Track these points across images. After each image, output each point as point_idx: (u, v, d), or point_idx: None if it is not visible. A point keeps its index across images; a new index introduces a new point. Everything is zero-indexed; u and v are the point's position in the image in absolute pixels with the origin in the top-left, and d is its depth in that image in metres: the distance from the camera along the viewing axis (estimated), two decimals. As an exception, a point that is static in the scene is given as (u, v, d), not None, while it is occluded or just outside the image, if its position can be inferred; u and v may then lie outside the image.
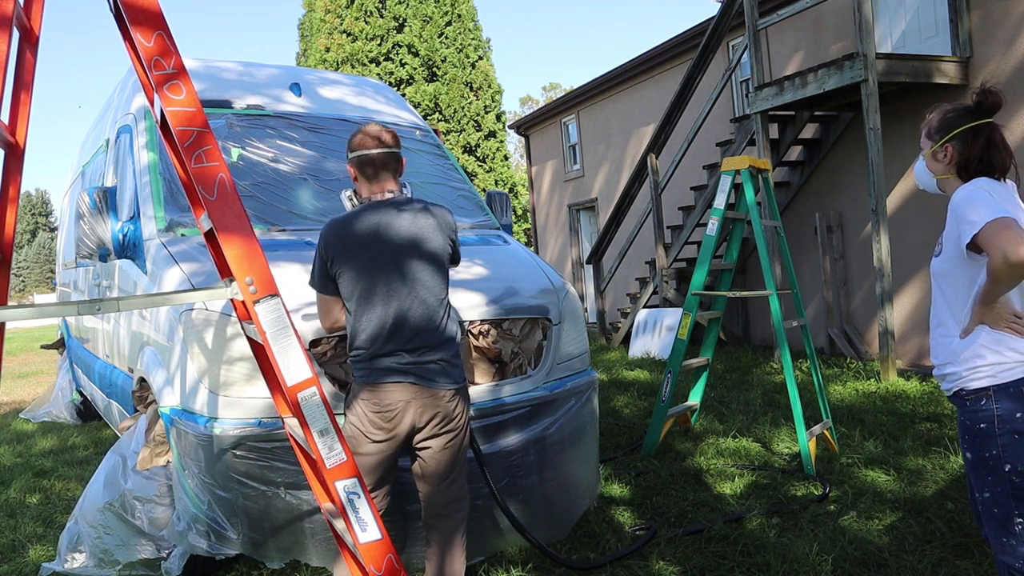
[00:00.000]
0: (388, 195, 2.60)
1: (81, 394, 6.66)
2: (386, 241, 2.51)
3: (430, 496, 2.64)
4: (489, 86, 19.58)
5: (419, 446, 2.58)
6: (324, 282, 2.57)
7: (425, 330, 2.51)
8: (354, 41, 18.51)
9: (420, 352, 2.50)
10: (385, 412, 2.47)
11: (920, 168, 2.36)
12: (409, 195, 2.67)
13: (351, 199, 2.70)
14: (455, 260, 2.74)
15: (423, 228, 2.57)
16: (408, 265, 2.52)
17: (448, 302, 2.64)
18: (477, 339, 3.31)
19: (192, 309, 3.09)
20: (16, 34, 2.20)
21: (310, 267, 3.28)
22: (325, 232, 2.57)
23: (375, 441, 2.51)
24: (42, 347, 8.66)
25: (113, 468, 3.28)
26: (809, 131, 8.82)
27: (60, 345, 7.40)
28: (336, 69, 18.10)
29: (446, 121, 18.91)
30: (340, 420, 2.84)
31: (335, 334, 2.95)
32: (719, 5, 8.94)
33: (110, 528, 3.14)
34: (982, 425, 2.06)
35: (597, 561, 3.26)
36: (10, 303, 2.29)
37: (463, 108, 19.05)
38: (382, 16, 18.72)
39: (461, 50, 19.09)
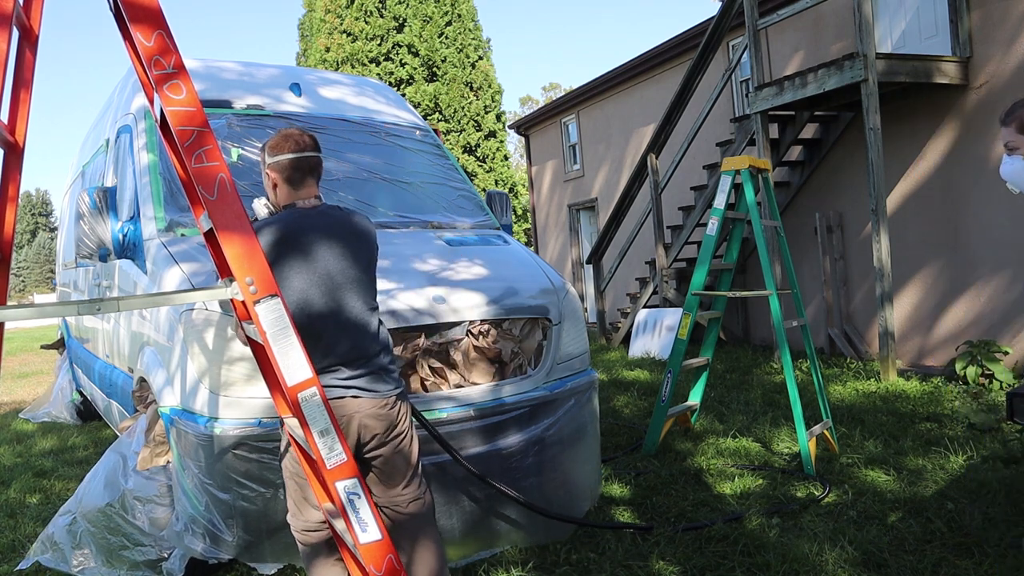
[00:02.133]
0: (313, 201, 2.51)
1: (81, 394, 6.66)
2: (320, 252, 2.42)
3: (391, 500, 2.59)
4: (489, 86, 19.58)
5: (369, 456, 2.53)
6: None
7: (362, 341, 2.45)
8: (354, 41, 18.51)
9: (358, 364, 2.43)
10: None
11: (1014, 168, 2.05)
12: (324, 201, 2.58)
13: (267, 207, 2.59)
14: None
15: (355, 237, 2.51)
16: (344, 276, 2.45)
17: (377, 308, 2.58)
18: (477, 339, 3.30)
19: (192, 309, 3.09)
20: (16, 33, 2.20)
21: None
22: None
23: None
24: (42, 347, 8.66)
25: (113, 468, 3.28)
26: (809, 131, 8.82)
27: (60, 345, 7.40)
28: (336, 69, 18.11)
29: (446, 121, 18.91)
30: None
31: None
32: (719, 5, 8.94)
33: (113, 529, 3.14)
34: None
35: (583, 519, 3.28)
36: (10, 303, 2.29)
37: (463, 108, 19.06)
38: (382, 16, 18.72)
39: (461, 50, 19.10)
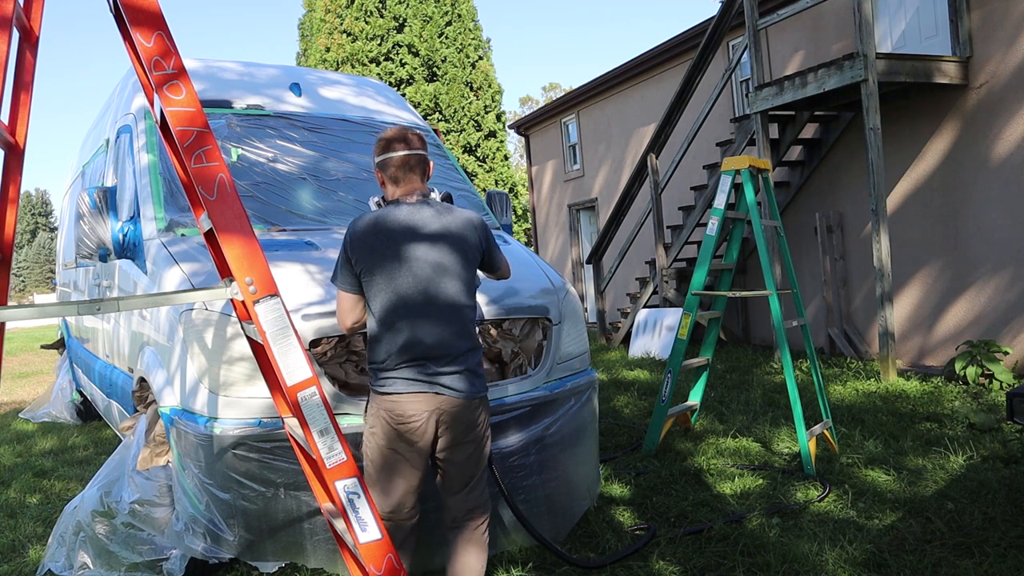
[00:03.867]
0: (417, 197, 2.53)
1: (81, 394, 6.66)
2: (414, 243, 2.44)
3: (450, 503, 2.57)
4: (489, 86, 19.58)
5: (440, 456, 2.51)
6: (348, 280, 2.48)
7: (451, 338, 2.43)
8: (354, 41, 18.52)
9: (445, 361, 2.41)
10: (409, 423, 2.39)
11: None
12: (438, 198, 2.61)
13: (379, 204, 2.63)
14: (489, 265, 2.63)
15: (452, 229, 2.50)
16: (438, 270, 2.44)
17: (475, 308, 2.57)
18: (477, 339, 3.31)
19: (192, 309, 3.09)
20: (16, 34, 2.20)
21: (310, 267, 3.29)
22: (351, 229, 2.51)
23: (400, 453, 2.44)
24: (42, 347, 8.66)
25: (112, 470, 3.28)
26: (809, 131, 8.82)
27: (60, 345, 7.40)
28: (336, 69, 18.11)
29: (446, 121, 18.91)
30: (341, 421, 2.83)
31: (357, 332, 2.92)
32: (719, 5, 8.95)
33: (112, 530, 3.14)
34: None
35: (600, 560, 3.26)
36: (10, 303, 2.29)
37: (463, 108, 19.06)
38: (382, 16, 18.72)
39: (461, 50, 19.10)
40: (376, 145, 2.59)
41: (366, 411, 2.54)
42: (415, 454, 2.45)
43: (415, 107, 16.93)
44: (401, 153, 2.52)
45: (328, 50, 18.49)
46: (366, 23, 18.56)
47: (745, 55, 8.58)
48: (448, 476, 2.54)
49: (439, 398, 2.41)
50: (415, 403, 2.39)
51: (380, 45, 18.62)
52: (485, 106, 19.51)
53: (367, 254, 2.43)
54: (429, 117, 18.58)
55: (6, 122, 2.26)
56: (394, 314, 2.41)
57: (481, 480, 2.61)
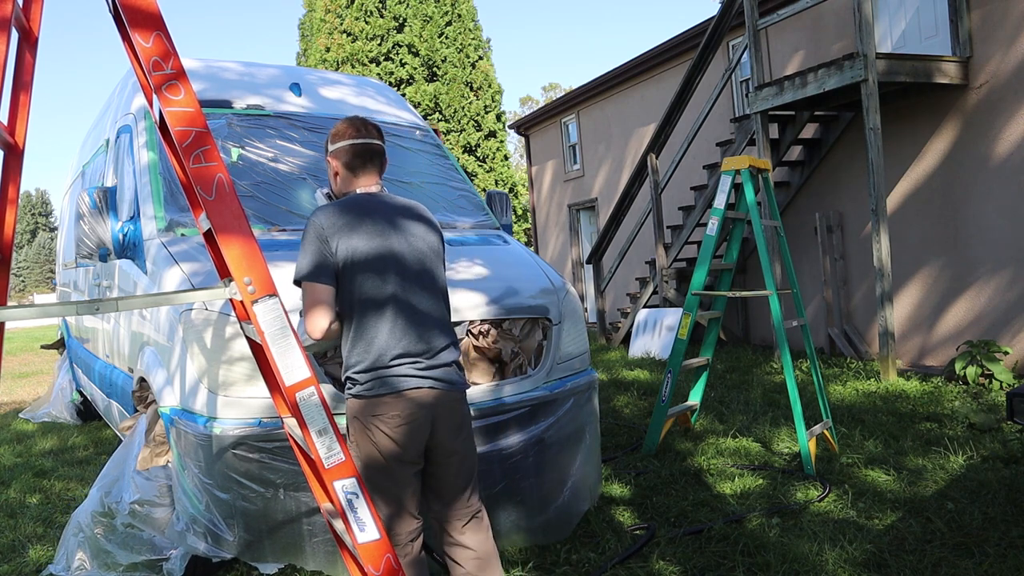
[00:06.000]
0: (375, 189, 2.43)
1: (81, 394, 6.66)
2: (399, 234, 2.35)
3: (452, 513, 2.43)
4: (489, 86, 19.58)
5: (441, 459, 2.37)
6: (324, 271, 2.25)
7: (440, 330, 2.36)
8: (354, 41, 18.52)
9: (435, 354, 2.32)
10: (411, 424, 2.26)
11: None
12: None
13: (328, 196, 2.53)
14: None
15: (428, 223, 2.47)
16: (422, 261, 2.38)
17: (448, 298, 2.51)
18: (477, 339, 3.30)
19: (192, 309, 3.09)
20: (15, 34, 2.20)
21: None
22: (323, 217, 2.29)
23: (409, 461, 2.30)
24: (42, 347, 8.66)
25: (112, 469, 3.28)
26: (809, 131, 8.82)
27: (60, 345, 7.40)
28: (336, 69, 18.11)
29: (446, 121, 18.91)
30: (340, 421, 2.83)
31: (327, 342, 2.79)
32: (719, 5, 8.94)
33: (111, 530, 3.14)
34: None
35: (600, 565, 3.26)
36: (10, 303, 2.29)
37: (463, 108, 19.06)
38: (382, 16, 18.72)
39: (461, 50, 19.10)
40: (331, 133, 2.45)
41: (348, 431, 2.35)
42: (416, 464, 2.34)
43: (415, 107, 16.93)
44: (358, 141, 2.41)
45: (328, 50, 18.49)
46: (366, 23, 18.56)
47: (745, 55, 8.57)
48: (448, 480, 2.41)
49: (433, 393, 2.30)
50: (417, 400, 2.28)
51: (380, 45, 18.62)
52: (485, 106, 19.51)
53: (350, 235, 2.26)
54: (429, 117, 18.58)
55: (6, 122, 2.26)
56: (389, 304, 2.27)
57: (477, 484, 2.51)
